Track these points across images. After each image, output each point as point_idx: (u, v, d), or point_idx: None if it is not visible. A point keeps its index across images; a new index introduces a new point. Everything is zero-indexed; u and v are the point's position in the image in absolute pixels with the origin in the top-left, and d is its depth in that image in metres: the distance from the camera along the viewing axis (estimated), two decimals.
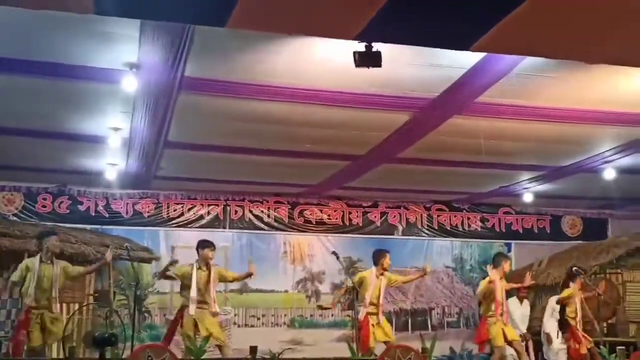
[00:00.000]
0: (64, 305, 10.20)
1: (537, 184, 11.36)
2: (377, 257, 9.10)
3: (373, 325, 8.77)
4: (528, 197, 12.24)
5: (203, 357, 6.91)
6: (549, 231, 13.47)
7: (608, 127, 8.10)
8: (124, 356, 7.00)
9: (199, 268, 8.36)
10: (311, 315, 12.53)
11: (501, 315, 8.78)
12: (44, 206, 11.47)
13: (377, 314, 8.90)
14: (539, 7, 3.84)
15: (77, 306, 9.96)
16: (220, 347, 8.37)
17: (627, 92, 6.97)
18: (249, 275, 8.94)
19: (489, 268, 9.08)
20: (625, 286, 10.85)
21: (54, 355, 7.97)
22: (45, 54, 6.14)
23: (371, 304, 8.84)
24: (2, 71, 6.43)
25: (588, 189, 11.39)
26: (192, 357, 7.07)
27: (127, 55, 6.11)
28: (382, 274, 9.02)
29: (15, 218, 11.09)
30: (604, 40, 4.52)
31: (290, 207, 12.52)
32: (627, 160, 9.57)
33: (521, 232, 13.39)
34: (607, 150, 9.21)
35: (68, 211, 11.53)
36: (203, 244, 8.58)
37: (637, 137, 8.52)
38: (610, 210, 13.37)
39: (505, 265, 9.16)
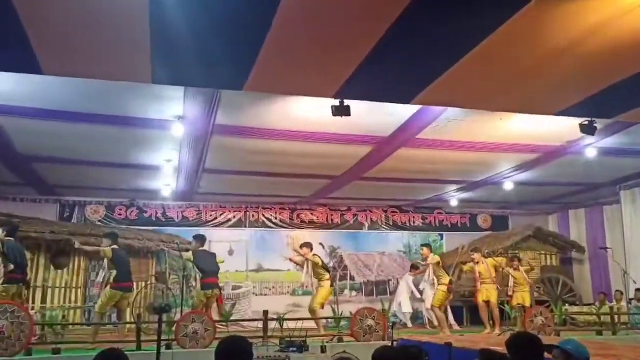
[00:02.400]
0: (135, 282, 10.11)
1: (460, 192, 11.34)
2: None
3: None
4: (454, 202, 12.19)
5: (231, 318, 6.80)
6: (468, 225, 13.38)
7: (505, 153, 8.11)
8: (175, 319, 6.92)
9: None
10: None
11: None
12: (119, 214, 11.31)
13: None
14: (455, 76, 3.89)
15: (143, 284, 9.83)
16: None
17: (517, 130, 7.02)
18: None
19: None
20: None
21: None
22: (118, 110, 6.11)
23: None
24: (88, 122, 6.39)
25: (494, 195, 11.40)
26: (222, 319, 6.98)
27: (175, 109, 6.09)
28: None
29: (99, 223, 10.93)
30: (501, 96, 4.57)
31: (290, 211, 12.38)
32: (519, 176, 9.57)
33: (449, 226, 13.30)
34: (505, 170, 9.22)
35: (137, 217, 11.37)
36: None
37: (525, 160, 8.53)
38: (510, 210, 13.40)
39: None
